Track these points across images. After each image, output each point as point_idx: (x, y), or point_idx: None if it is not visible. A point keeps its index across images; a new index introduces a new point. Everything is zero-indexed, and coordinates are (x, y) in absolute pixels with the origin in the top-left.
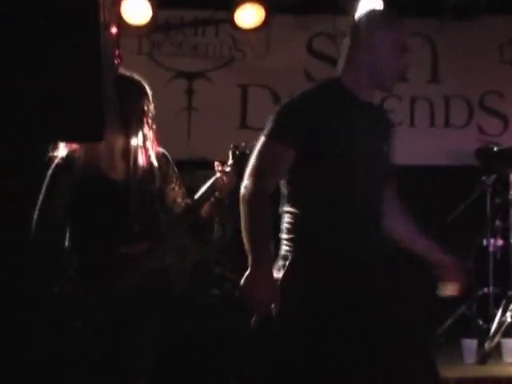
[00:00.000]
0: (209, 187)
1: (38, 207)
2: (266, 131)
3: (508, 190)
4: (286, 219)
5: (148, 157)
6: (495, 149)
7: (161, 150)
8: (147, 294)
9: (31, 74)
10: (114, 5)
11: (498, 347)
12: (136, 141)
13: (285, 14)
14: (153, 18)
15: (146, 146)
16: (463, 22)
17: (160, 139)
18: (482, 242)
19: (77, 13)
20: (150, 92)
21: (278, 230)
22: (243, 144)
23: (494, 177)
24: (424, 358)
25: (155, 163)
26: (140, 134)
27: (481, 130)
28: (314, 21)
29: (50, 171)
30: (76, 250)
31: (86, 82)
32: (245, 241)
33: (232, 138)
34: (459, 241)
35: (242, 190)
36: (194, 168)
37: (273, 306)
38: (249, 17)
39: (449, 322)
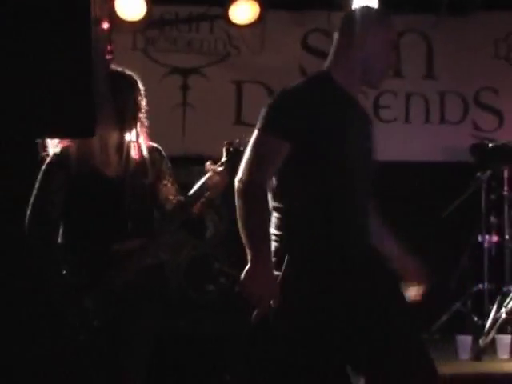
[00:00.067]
0: (200, 186)
1: (31, 203)
2: (259, 125)
3: (503, 186)
4: (275, 215)
5: (141, 152)
6: (490, 145)
7: (154, 145)
8: (142, 290)
9: (21, 70)
10: (106, 0)
11: (492, 343)
12: (129, 136)
13: (280, 9)
14: (147, 13)
15: (138, 141)
16: (458, 17)
17: (155, 135)
18: (476, 239)
19: (68, 8)
20: (141, 87)
21: None
22: (237, 140)
23: (488, 173)
24: (423, 356)
25: (148, 158)
26: (133, 130)
27: (476, 126)
28: (309, 17)
29: (43, 167)
30: (69, 246)
31: (77, 78)
32: (242, 235)
33: (227, 134)
34: (454, 237)
35: (237, 184)
36: (189, 164)
37: (272, 301)
38: (243, 13)
39: (444, 318)
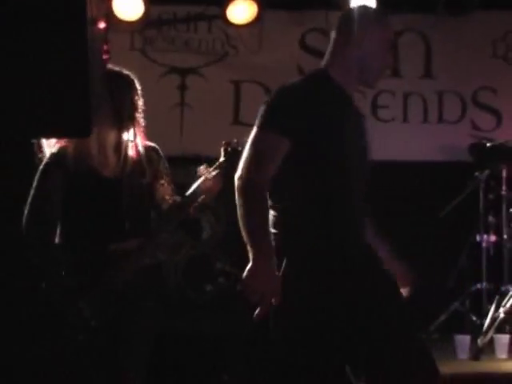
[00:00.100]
0: (194, 190)
1: (28, 203)
2: (257, 122)
3: (501, 186)
4: (273, 213)
5: (138, 152)
6: (488, 144)
7: (151, 144)
8: (140, 290)
9: (17, 70)
10: (103, 0)
11: (491, 343)
12: (127, 135)
13: (277, 9)
14: (145, 13)
15: (136, 141)
16: (456, 17)
17: (153, 135)
18: (475, 238)
19: (64, 8)
20: (139, 87)
21: None
22: (235, 141)
23: (487, 172)
24: (423, 356)
25: (145, 158)
26: (131, 129)
27: (474, 126)
28: (307, 16)
29: (40, 167)
30: (67, 246)
31: (73, 78)
32: (243, 234)
33: (225, 133)
34: (452, 236)
35: (237, 182)
36: (187, 164)
37: (273, 299)
38: (241, 12)
39: (442, 317)
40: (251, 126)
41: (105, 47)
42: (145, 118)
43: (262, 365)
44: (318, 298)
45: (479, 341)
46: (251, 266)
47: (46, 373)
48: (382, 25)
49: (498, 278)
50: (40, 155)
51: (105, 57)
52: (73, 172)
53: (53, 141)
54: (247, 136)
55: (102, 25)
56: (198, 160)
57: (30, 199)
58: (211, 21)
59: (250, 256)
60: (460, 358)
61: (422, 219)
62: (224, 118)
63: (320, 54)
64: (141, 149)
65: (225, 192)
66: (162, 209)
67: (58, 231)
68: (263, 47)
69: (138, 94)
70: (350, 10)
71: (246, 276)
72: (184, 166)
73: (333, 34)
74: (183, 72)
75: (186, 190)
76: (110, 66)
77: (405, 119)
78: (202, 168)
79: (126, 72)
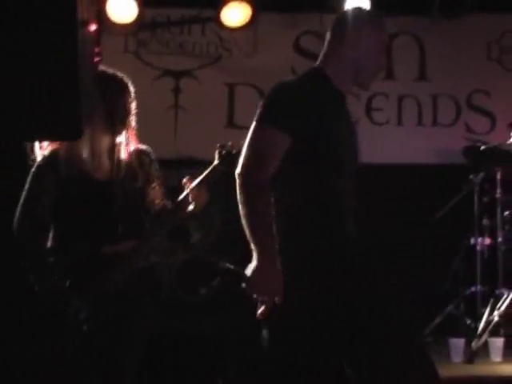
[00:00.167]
0: (184, 197)
1: (20, 205)
2: (256, 117)
3: (495, 189)
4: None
5: (130, 155)
6: (482, 147)
7: (143, 147)
8: (134, 292)
9: (6, 71)
10: (93, 2)
11: (485, 346)
12: (119, 139)
13: (271, 12)
14: (139, 16)
15: (128, 144)
16: (451, 20)
17: (147, 137)
18: (469, 241)
19: (53, 10)
20: (132, 89)
21: None
22: (229, 143)
23: (481, 175)
24: (423, 357)
25: (137, 161)
26: (123, 132)
27: (468, 129)
28: (301, 19)
29: (32, 170)
30: (60, 249)
31: (63, 80)
32: (246, 231)
33: (219, 136)
34: (446, 239)
35: (238, 179)
36: (181, 167)
37: (276, 298)
38: (235, 15)
39: (437, 320)
40: (245, 128)
41: (96, 50)
42: (139, 120)
43: (261, 365)
44: (318, 297)
45: (473, 344)
46: (256, 264)
47: (39, 373)
48: (377, 26)
49: (493, 281)
50: (33, 157)
51: (96, 59)
52: (65, 175)
53: (45, 143)
54: (242, 139)
55: (92, 27)
56: (192, 163)
57: (21, 201)
58: (205, 23)
59: (254, 254)
60: (454, 362)
61: (417, 222)
62: (218, 120)
63: (314, 57)
64: (132, 152)
65: (219, 195)
66: (152, 212)
67: (51, 234)
68: (257, 50)
69: (131, 97)
70: (346, 12)
71: (251, 275)
72: (178, 169)
73: (328, 35)
74: (177, 75)
75: (179, 193)
76: (103, 68)
77: (399, 122)
78: (185, 181)
79: (119, 75)
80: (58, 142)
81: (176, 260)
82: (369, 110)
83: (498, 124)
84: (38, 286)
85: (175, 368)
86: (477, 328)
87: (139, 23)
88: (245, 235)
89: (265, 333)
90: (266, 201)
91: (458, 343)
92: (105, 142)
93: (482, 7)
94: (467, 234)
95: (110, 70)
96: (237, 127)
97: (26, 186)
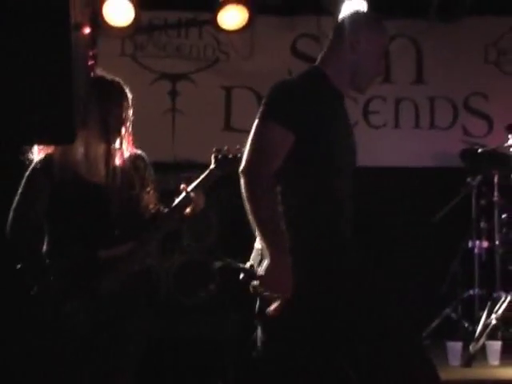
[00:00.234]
0: (179, 202)
1: (13, 208)
2: (259, 114)
3: (493, 192)
4: None
5: (125, 160)
6: (480, 150)
7: (138, 152)
8: (130, 294)
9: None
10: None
11: (483, 349)
12: (115, 144)
13: (268, 15)
14: (136, 19)
15: (123, 149)
16: (448, 23)
17: (144, 141)
18: (467, 244)
19: (46, 13)
20: (129, 95)
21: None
22: (225, 147)
23: (479, 178)
24: (422, 357)
25: (132, 166)
26: (118, 137)
27: (466, 132)
28: (298, 22)
29: (26, 173)
30: (55, 252)
31: (56, 84)
32: (256, 230)
33: (216, 139)
34: (444, 242)
35: (242, 177)
36: (178, 170)
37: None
38: (232, 18)
39: (434, 323)
40: (243, 131)
41: (91, 52)
42: (136, 123)
43: (260, 365)
44: (317, 297)
45: (471, 347)
46: (270, 263)
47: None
48: (377, 30)
49: (491, 284)
50: (29, 158)
51: (90, 62)
52: (59, 179)
53: (40, 147)
54: (239, 142)
55: (86, 30)
56: (190, 166)
57: (14, 205)
58: (202, 27)
59: (266, 253)
60: (452, 365)
61: (414, 225)
62: (215, 123)
63: (311, 60)
64: (128, 157)
65: (215, 198)
66: (146, 217)
67: (46, 238)
68: (254, 53)
69: (128, 105)
70: (347, 15)
71: (266, 273)
72: (175, 172)
73: (330, 36)
74: (174, 78)
75: (176, 197)
76: (101, 73)
77: (396, 125)
78: (183, 185)
79: (117, 80)
80: (53, 146)
81: (173, 263)
82: (366, 113)
83: (496, 127)
84: (35, 288)
85: (174, 370)
86: (474, 331)
87: (136, 26)
88: (242, 236)
89: (259, 332)
90: (270, 197)
91: (455, 346)
92: (100, 147)
93: (480, 10)
94: (465, 237)
95: (108, 76)
96: (234, 130)
97: (20, 190)
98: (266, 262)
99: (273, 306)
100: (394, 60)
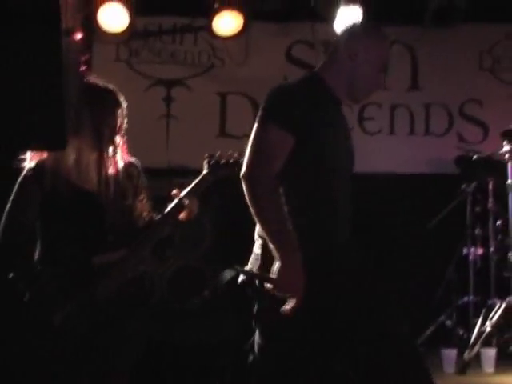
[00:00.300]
0: (171, 209)
1: (4, 215)
2: (259, 118)
3: (488, 199)
4: None
5: (118, 168)
6: (475, 157)
7: (131, 159)
8: (124, 299)
9: None
10: (80, 10)
11: (477, 357)
12: (109, 152)
13: (263, 21)
14: (131, 25)
15: (116, 157)
16: (443, 29)
17: (138, 147)
18: (462, 251)
19: (37, 18)
20: (124, 104)
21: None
22: (218, 153)
23: (473, 185)
24: (418, 358)
25: (125, 174)
26: (112, 146)
27: (461, 138)
28: (293, 28)
29: (18, 180)
30: (47, 259)
31: (46, 90)
32: (264, 233)
33: (211, 145)
34: (439, 249)
35: (244, 182)
36: (173, 176)
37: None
38: (227, 24)
39: (429, 331)
40: (237, 137)
41: (83, 58)
42: (130, 129)
43: (258, 366)
44: (317, 298)
45: (466, 354)
46: (282, 264)
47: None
48: (377, 42)
49: (485, 291)
50: (22, 165)
51: (82, 68)
52: (51, 186)
53: (32, 153)
54: (234, 147)
55: (78, 35)
56: (184, 172)
57: (6, 212)
58: (197, 33)
59: (275, 255)
60: (447, 372)
61: (409, 232)
62: (210, 129)
63: (306, 66)
64: (121, 165)
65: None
66: (141, 224)
67: (39, 245)
68: (249, 59)
69: (122, 113)
70: (349, 25)
71: (279, 275)
72: (169, 178)
73: (330, 45)
74: (169, 84)
75: (169, 204)
76: (95, 80)
77: (391, 131)
78: (175, 191)
79: (111, 87)
80: (45, 153)
81: (167, 269)
82: (361, 119)
83: (491, 134)
84: (27, 294)
85: (172, 375)
86: (469, 338)
87: (131, 32)
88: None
89: (256, 335)
90: (273, 198)
91: (450, 354)
92: (92, 155)
93: (475, 17)
94: (460, 244)
95: (102, 84)
96: (229, 136)
97: (11, 197)
98: (276, 264)
99: (287, 306)
100: (389, 66)
